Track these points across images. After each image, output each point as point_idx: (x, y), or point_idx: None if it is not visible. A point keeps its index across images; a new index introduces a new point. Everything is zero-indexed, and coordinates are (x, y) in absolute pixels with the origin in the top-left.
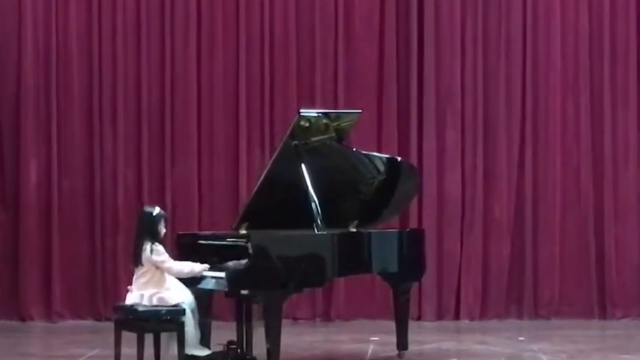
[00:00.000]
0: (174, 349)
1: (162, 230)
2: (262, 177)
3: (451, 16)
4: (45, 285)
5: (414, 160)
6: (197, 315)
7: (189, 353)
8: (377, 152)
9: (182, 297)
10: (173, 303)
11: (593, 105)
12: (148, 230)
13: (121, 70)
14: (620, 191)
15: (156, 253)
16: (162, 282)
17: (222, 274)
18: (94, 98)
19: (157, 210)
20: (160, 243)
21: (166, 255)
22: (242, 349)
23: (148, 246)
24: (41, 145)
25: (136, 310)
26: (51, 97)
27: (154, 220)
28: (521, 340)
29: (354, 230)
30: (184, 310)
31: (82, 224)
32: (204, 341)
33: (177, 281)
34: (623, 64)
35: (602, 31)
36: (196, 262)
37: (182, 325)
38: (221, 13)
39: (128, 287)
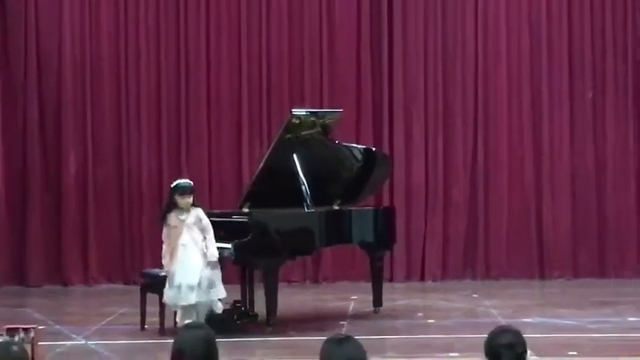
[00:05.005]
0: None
1: (178, 200)
2: (261, 165)
3: (416, 33)
4: (83, 255)
5: (386, 150)
6: (205, 290)
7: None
8: (355, 144)
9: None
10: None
11: (533, 106)
12: (168, 200)
13: (144, 80)
14: (556, 175)
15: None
16: (172, 257)
17: (229, 245)
18: (122, 103)
19: (175, 182)
20: (169, 211)
21: (164, 235)
22: (246, 307)
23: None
24: (79, 141)
25: (157, 275)
26: (86, 102)
27: (170, 192)
28: (476, 297)
29: (338, 208)
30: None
31: (112, 205)
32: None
33: (188, 258)
34: (558, 73)
35: (540, 46)
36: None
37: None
38: (226, 38)
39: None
